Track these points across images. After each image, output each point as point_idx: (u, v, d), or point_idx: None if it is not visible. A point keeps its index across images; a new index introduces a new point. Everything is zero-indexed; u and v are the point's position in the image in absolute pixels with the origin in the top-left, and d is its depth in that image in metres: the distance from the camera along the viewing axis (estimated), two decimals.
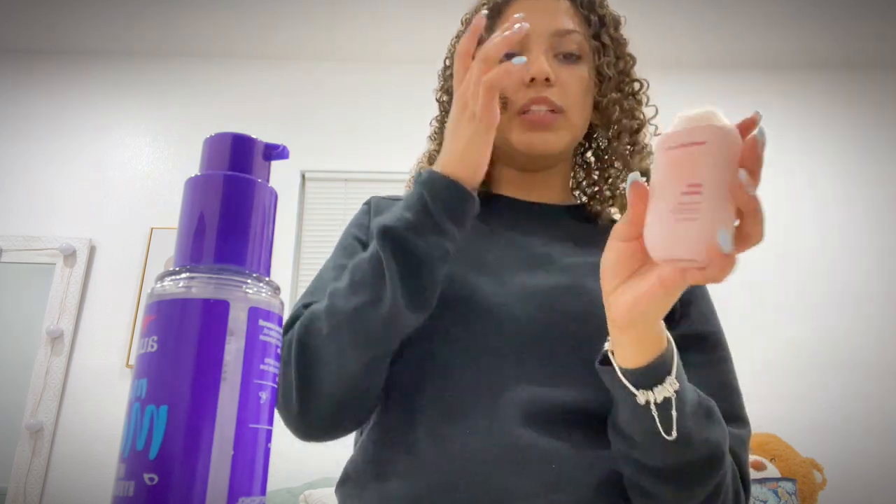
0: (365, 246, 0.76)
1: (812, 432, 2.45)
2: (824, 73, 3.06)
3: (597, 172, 0.86)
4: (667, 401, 0.54)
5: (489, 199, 0.83)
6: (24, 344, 2.61)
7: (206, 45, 3.01)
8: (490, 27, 0.78)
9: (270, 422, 0.30)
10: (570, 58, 0.77)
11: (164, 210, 2.80)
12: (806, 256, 2.79)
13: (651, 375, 0.54)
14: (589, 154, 0.89)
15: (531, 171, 0.82)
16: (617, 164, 0.82)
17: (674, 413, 0.54)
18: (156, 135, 2.95)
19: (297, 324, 0.66)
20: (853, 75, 3.06)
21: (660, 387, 0.54)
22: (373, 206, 0.82)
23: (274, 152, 0.34)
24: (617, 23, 0.82)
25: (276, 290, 0.32)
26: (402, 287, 0.60)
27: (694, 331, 0.72)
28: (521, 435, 0.63)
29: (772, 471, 2.18)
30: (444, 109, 0.87)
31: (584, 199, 0.87)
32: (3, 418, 2.55)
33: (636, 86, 0.83)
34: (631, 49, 0.83)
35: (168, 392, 0.28)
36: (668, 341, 0.55)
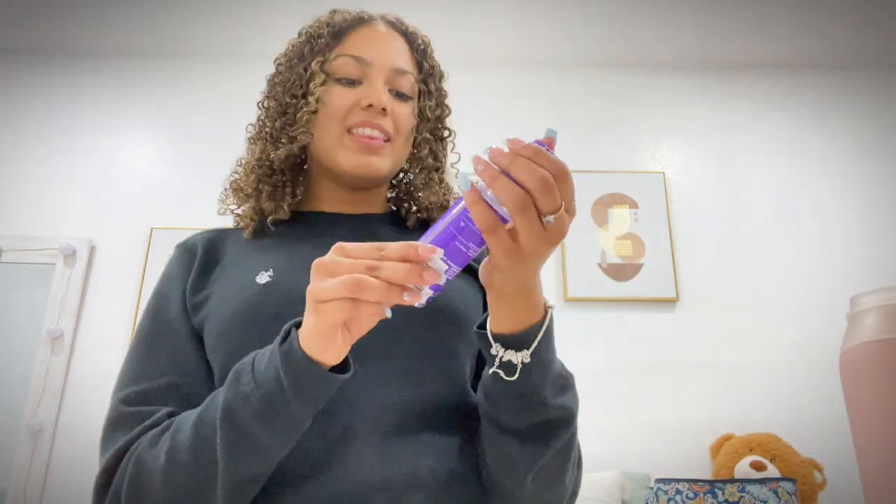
0: (184, 305, 0.77)
1: (812, 432, 2.45)
2: (821, 74, 3.07)
3: (405, 194, 0.96)
4: (525, 366, 0.61)
5: (314, 215, 0.89)
6: (24, 344, 2.61)
7: (207, 45, 3.01)
8: (330, 47, 0.86)
9: None
10: (401, 96, 0.86)
11: (164, 210, 2.80)
12: (805, 256, 2.79)
13: (515, 342, 0.61)
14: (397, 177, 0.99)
15: (354, 189, 0.89)
16: (418, 194, 0.92)
17: (519, 370, 0.61)
18: (156, 135, 2.95)
19: (127, 476, 0.64)
20: (849, 76, 3.07)
21: (516, 353, 0.61)
22: (195, 252, 0.82)
23: None
24: (442, 76, 0.93)
25: None
26: (231, 479, 0.59)
27: None
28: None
29: (772, 471, 2.18)
30: (267, 115, 0.92)
31: (394, 207, 0.97)
32: (3, 418, 2.55)
33: (446, 133, 0.94)
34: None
35: None
36: (544, 316, 0.61)
